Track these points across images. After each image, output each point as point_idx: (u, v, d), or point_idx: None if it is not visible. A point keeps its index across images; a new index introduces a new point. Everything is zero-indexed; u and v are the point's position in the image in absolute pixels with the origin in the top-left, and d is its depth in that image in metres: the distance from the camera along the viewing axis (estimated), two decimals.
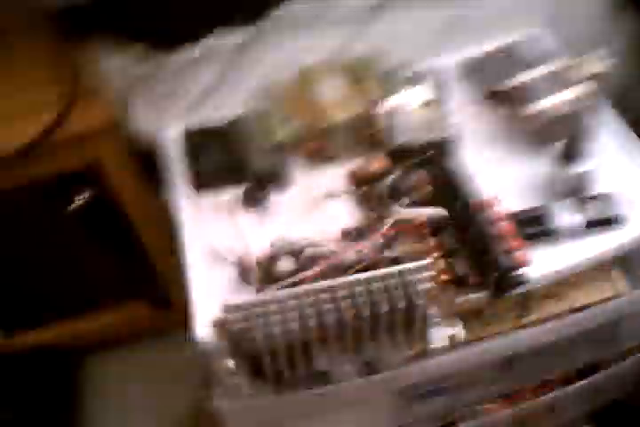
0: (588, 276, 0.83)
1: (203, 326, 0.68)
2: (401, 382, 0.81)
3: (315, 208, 0.79)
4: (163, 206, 0.95)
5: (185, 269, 0.75)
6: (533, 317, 0.84)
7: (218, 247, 0.75)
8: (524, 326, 0.83)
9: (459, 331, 0.72)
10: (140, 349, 1.27)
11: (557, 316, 0.84)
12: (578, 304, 0.85)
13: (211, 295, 0.71)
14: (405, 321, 0.66)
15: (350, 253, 0.69)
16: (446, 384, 0.87)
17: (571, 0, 0.99)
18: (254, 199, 0.79)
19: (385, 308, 0.61)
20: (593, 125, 0.81)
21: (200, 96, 0.87)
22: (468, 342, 0.77)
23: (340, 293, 0.63)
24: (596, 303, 0.85)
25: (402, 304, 0.62)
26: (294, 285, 0.67)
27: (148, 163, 0.91)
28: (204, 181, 0.81)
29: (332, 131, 0.78)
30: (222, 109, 0.88)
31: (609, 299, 0.85)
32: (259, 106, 0.82)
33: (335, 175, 0.83)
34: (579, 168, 0.76)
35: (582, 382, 1.00)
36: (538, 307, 0.84)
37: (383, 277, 0.63)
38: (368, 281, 0.62)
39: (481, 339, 0.80)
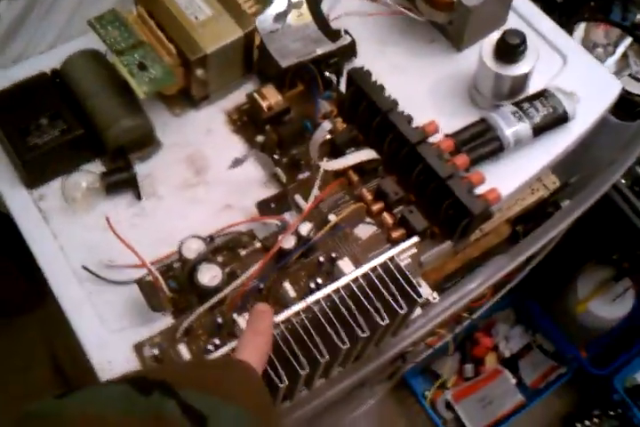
0: None
1: None
2: None
3: (205, 176, 0.59)
4: None
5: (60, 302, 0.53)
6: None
7: (89, 263, 0.53)
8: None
9: (428, 292, 0.58)
10: None
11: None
12: (513, 214, 0.75)
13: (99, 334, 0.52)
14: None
15: (287, 239, 0.51)
16: None
17: None
18: (120, 181, 0.56)
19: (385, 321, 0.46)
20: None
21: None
22: None
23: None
24: (530, 206, 0.76)
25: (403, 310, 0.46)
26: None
27: None
28: (37, 169, 0.56)
29: (204, 63, 0.56)
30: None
31: (541, 199, 0.76)
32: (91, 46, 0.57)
33: (213, 120, 0.62)
34: (517, 67, 0.61)
35: None
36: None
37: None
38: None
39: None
